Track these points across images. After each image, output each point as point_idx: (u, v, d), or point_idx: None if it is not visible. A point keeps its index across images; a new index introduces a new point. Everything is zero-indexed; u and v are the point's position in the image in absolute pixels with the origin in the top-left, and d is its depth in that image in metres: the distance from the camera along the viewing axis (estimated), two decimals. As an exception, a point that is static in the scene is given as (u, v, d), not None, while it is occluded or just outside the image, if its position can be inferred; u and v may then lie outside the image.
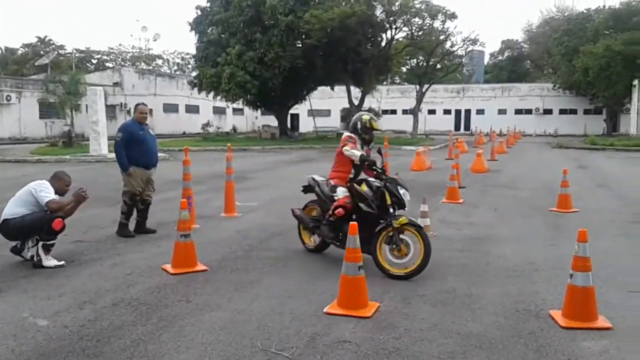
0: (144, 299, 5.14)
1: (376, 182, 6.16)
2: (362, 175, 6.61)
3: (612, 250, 7.12)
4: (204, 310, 4.88)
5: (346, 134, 6.60)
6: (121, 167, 7.82)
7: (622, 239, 7.88)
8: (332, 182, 6.48)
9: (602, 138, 37.90)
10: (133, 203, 7.85)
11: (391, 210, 5.95)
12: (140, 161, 7.82)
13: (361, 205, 6.11)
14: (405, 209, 6.06)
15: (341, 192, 6.29)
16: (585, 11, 52.71)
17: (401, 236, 5.87)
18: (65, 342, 4.18)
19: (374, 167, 6.24)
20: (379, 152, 6.88)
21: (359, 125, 6.53)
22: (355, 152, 6.24)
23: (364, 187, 6.15)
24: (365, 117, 6.59)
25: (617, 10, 41.81)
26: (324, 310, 4.83)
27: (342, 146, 6.39)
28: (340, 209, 6.13)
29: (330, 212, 6.28)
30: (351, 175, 6.49)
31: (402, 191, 6.01)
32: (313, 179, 6.84)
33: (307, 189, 6.96)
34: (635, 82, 42.96)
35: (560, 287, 5.08)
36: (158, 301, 5.09)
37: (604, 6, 46.95)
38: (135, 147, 7.77)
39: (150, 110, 46.73)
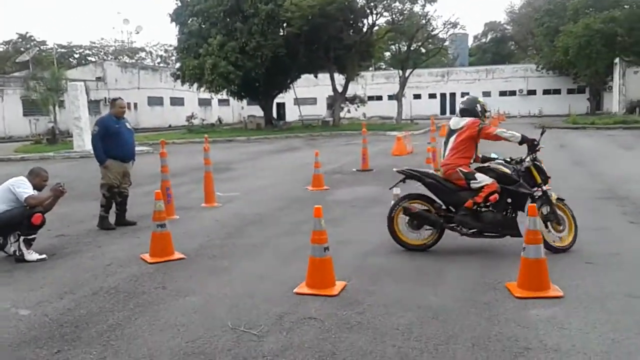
0: (122, 287, 5.37)
1: (504, 166, 6.32)
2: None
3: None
4: (179, 295, 5.11)
5: (470, 119, 6.37)
6: (98, 160, 8.02)
7: (587, 214, 8.13)
8: (462, 169, 6.30)
9: (584, 117, 38.35)
10: (111, 195, 8.04)
11: (543, 187, 6.21)
12: (116, 154, 8.02)
13: (510, 187, 6.17)
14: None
15: (484, 178, 6.18)
16: (565, -9, 53.07)
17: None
18: (46, 329, 4.41)
19: (535, 144, 6.26)
20: (543, 131, 6.90)
21: (479, 108, 6.50)
22: (515, 133, 6.22)
23: (505, 169, 6.26)
24: (481, 100, 6.65)
25: (596, -12, 42.15)
26: (294, 290, 5.08)
27: (482, 130, 6.26)
28: (495, 195, 6.09)
29: (479, 200, 6.12)
30: (514, 159, 6.55)
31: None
32: (416, 170, 6.64)
33: (412, 178, 6.66)
34: (616, 60, 43.41)
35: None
36: (135, 289, 5.32)
37: (584, -15, 47.12)
38: (111, 140, 7.97)
39: (135, 104, 47.15)
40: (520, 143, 6.25)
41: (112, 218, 8.18)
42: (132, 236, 7.56)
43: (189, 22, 36.83)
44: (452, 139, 6.44)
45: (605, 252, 6.14)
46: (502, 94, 58.64)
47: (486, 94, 58.54)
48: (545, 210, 6.19)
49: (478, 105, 6.53)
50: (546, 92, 57.83)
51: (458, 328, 4.20)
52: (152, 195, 8.92)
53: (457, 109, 6.65)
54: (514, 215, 6.29)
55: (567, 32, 40.44)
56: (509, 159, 6.58)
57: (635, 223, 7.52)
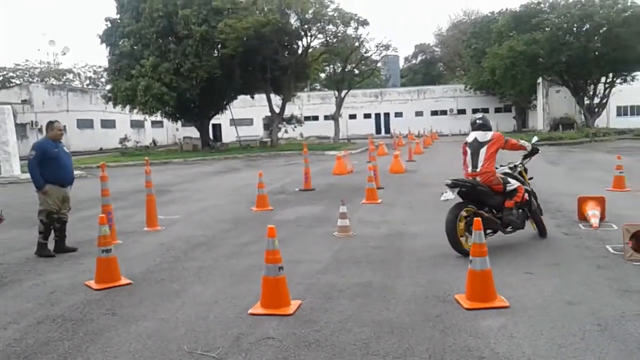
0: (69, 315, 5.19)
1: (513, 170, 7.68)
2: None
3: (513, 237, 7.72)
4: (130, 321, 4.99)
5: (495, 132, 7.34)
6: (36, 185, 7.69)
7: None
8: (500, 175, 7.27)
9: (511, 134, 40.02)
10: (50, 221, 7.74)
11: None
12: (55, 179, 7.75)
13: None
14: None
15: (515, 182, 7.31)
16: (489, 14, 55.56)
17: None
18: (-10, 363, 4.21)
19: (537, 150, 7.83)
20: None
21: (490, 124, 7.59)
22: (526, 142, 7.63)
23: (516, 174, 7.65)
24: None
25: (517, 12, 44.28)
26: (249, 311, 5.07)
27: (508, 141, 7.31)
28: (526, 194, 7.31)
29: (518, 200, 7.18)
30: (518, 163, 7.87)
31: None
32: (463, 180, 7.13)
33: (463, 186, 6.98)
34: (539, 80, 45.78)
35: (466, 273, 5.56)
36: (83, 316, 5.16)
37: (506, 9, 49.55)
38: (49, 164, 7.70)
39: (64, 126, 45.41)
40: (533, 150, 7.70)
41: (50, 245, 7.87)
42: (75, 262, 7.31)
43: (120, 43, 36.06)
44: (483, 150, 7.17)
45: (543, 262, 6.45)
46: (434, 113, 60.44)
47: (418, 113, 60.35)
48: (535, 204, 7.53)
49: (490, 121, 7.67)
50: (475, 111, 59.86)
51: (414, 341, 4.31)
52: (90, 220, 8.68)
53: (473, 124, 7.61)
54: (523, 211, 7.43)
55: (492, 53, 42.33)
56: (512, 165, 7.82)
57: (569, 234, 7.93)
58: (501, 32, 44.52)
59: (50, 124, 8.08)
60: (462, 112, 60.05)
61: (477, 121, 7.47)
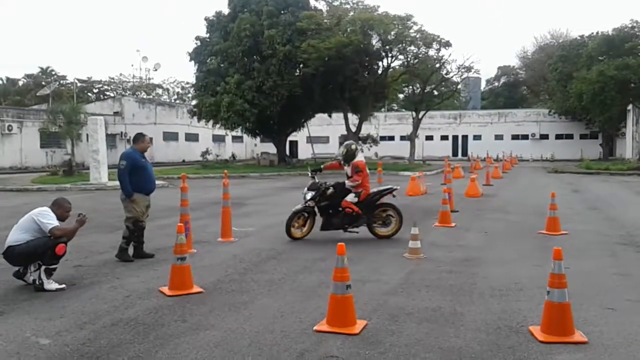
0: (142, 319, 5.36)
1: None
2: None
3: (595, 270, 7.36)
4: (199, 329, 5.10)
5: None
6: (125, 194, 8.05)
7: (606, 260, 8.11)
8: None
9: (597, 162, 38.28)
10: (135, 228, 8.10)
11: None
12: (142, 188, 8.15)
13: None
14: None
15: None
16: (579, 38, 53.56)
17: None
18: (66, 359, 4.40)
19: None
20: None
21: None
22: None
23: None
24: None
25: (609, 36, 42.45)
26: (314, 328, 5.05)
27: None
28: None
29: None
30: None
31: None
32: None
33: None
34: (629, 106, 43.53)
35: (542, 304, 5.29)
36: (155, 321, 5.31)
37: (597, 32, 47.56)
38: (138, 174, 8.09)
39: (151, 138, 47.58)
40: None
41: (130, 250, 8.20)
42: (150, 268, 7.57)
43: (207, 61, 37.59)
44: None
45: (627, 298, 6.06)
46: (515, 137, 58.75)
47: (498, 137, 58.82)
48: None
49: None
50: (558, 136, 57.90)
51: (482, 371, 4.15)
52: (168, 229, 8.98)
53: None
54: None
55: (581, 78, 40.74)
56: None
57: (656, 270, 7.42)
58: (591, 56, 42.82)
59: (141, 136, 8.45)
60: (544, 137, 58.08)
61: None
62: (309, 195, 9.73)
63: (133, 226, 8.09)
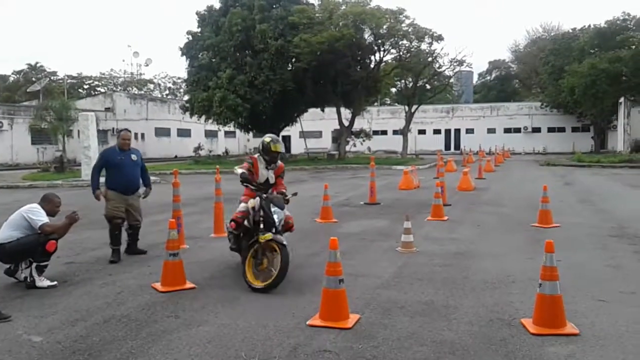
0: (134, 316, 5.35)
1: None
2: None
3: (587, 262, 7.40)
4: (192, 325, 5.09)
5: (250, 155, 7.05)
6: (92, 190, 7.98)
7: (598, 252, 8.15)
8: (241, 198, 6.98)
9: (589, 155, 38.43)
10: (114, 227, 7.89)
11: (261, 226, 6.36)
12: (116, 186, 7.96)
13: (245, 220, 6.63)
14: (274, 229, 6.33)
15: (240, 207, 6.79)
16: (570, 31, 53.70)
17: (266, 252, 6.28)
18: (58, 356, 4.39)
19: (247, 185, 6.73)
20: (280, 174, 7.14)
21: (261, 147, 6.99)
22: (238, 170, 6.77)
23: (254, 203, 6.59)
24: (267, 139, 6.97)
25: (601, 29, 42.59)
26: (307, 322, 5.05)
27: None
28: (232, 222, 6.72)
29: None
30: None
31: (273, 209, 6.40)
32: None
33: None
34: (621, 99, 43.69)
35: (534, 297, 5.31)
36: (147, 317, 5.30)
37: (589, 25, 47.73)
38: (112, 172, 7.97)
39: (142, 134, 47.47)
40: (241, 180, 6.69)
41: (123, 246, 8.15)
42: (143, 265, 7.55)
43: (199, 56, 37.47)
44: None
45: (618, 290, 6.10)
46: (507, 131, 58.91)
47: (491, 130, 58.95)
48: (255, 248, 6.37)
49: (261, 145, 7.00)
50: (551, 129, 58.10)
51: (475, 364, 4.16)
52: (160, 225, 8.96)
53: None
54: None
55: (572, 71, 40.85)
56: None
57: (647, 262, 7.47)
58: (583, 49, 42.92)
59: (119, 132, 8.37)
60: (536, 130, 58.29)
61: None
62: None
63: (109, 224, 7.93)
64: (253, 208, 6.58)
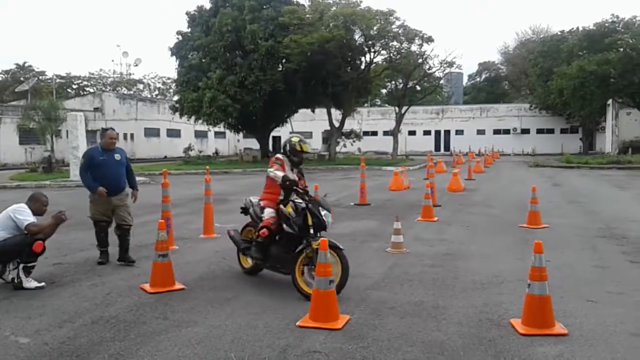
0: (122, 317, 5.31)
1: (302, 204, 6.12)
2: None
3: (575, 263, 7.44)
4: (181, 326, 5.06)
5: (276, 155, 6.68)
6: (90, 190, 7.69)
7: (586, 252, 8.21)
8: (262, 203, 6.57)
9: (577, 156, 38.70)
10: (100, 229, 7.74)
11: (311, 231, 5.95)
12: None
13: (284, 226, 6.16)
14: (327, 230, 6.04)
15: (268, 213, 6.33)
16: (559, 33, 53.99)
17: None
18: (45, 358, 4.35)
19: (295, 188, 6.24)
20: (301, 174, 6.80)
21: (287, 147, 6.63)
22: (278, 173, 6.29)
23: (289, 209, 6.17)
24: (295, 139, 6.66)
25: (590, 31, 42.83)
26: (297, 323, 5.03)
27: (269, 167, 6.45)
28: (264, 230, 6.18)
29: (256, 232, 6.36)
30: (281, 197, 6.37)
31: (323, 212, 6.01)
32: (250, 200, 6.89)
33: (244, 210, 7.01)
34: (609, 101, 44.04)
35: (523, 297, 5.33)
36: (136, 319, 5.26)
37: (578, 28, 48.03)
38: (94, 172, 7.65)
39: (132, 134, 47.22)
40: (282, 183, 6.24)
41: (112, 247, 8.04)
42: (132, 266, 7.50)
43: (189, 56, 37.32)
44: None
45: (607, 290, 6.14)
46: (496, 132, 59.23)
47: (480, 132, 59.22)
48: (307, 254, 5.94)
49: (288, 145, 6.65)
50: (539, 131, 58.48)
51: (464, 364, 4.17)
52: (149, 225, 8.89)
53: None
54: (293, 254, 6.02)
55: (561, 73, 41.07)
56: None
57: (635, 262, 7.53)
58: (572, 52, 43.16)
59: (104, 131, 8.10)
60: (525, 131, 58.66)
61: None
62: None
63: (95, 227, 7.76)
64: (289, 212, 6.15)
